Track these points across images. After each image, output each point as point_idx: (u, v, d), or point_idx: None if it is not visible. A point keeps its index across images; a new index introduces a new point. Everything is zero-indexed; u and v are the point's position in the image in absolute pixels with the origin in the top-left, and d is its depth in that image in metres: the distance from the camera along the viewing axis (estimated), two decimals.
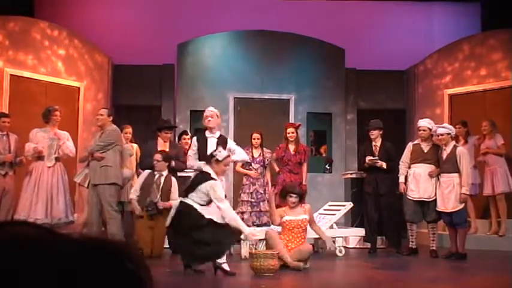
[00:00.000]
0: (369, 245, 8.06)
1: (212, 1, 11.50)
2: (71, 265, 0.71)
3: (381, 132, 8.01)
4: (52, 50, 9.06)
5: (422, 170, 7.45)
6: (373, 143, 8.00)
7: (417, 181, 7.45)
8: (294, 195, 6.58)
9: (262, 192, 8.65)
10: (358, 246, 8.50)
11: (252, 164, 8.77)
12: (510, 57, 9.15)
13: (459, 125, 8.76)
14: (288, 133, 8.74)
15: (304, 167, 8.80)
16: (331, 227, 7.70)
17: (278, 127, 9.43)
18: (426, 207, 7.46)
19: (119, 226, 7.10)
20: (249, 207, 8.57)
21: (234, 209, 9.21)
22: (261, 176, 8.73)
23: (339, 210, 7.95)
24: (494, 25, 10.12)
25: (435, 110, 10.03)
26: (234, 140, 9.90)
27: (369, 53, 11.10)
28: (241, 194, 8.69)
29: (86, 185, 7.52)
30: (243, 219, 8.60)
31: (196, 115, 10.11)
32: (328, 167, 10.33)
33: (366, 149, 8.13)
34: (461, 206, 7.13)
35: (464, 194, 7.10)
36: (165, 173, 7.37)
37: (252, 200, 8.58)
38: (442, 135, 7.23)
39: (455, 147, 7.29)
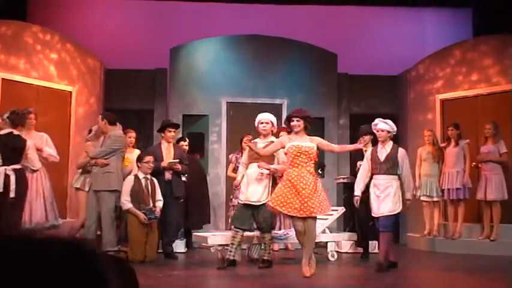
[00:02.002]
0: (361, 249, 8.06)
1: (205, 6, 11.51)
2: (40, 263, 0.75)
3: (371, 138, 8.02)
4: (44, 54, 9.03)
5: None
6: (364, 149, 8.01)
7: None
8: (296, 119, 6.12)
9: None
10: (350, 251, 8.50)
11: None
12: (501, 62, 9.20)
13: (451, 127, 8.80)
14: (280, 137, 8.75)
15: None
16: (324, 231, 7.70)
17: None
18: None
19: (114, 231, 7.08)
20: None
21: (226, 213, 9.25)
22: None
23: (331, 214, 7.95)
24: (485, 31, 10.19)
25: (427, 115, 10.06)
26: (227, 145, 9.95)
27: (361, 57, 11.13)
28: (233, 199, 8.69)
29: (86, 189, 7.46)
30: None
31: (189, 119, 10.12)
32: (321, 172, 10.33)
33: (357, 154, 8.14)
34: (397, 211, 6.51)
35: (409, 200, 6.59)
36: (149, 176, 7.37)
37: None
38: (382, 131, 6.61)
39: (396, 147, 6.70)
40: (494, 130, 8.46)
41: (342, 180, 9.39)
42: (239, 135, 9.06)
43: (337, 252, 7.81)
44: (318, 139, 6.24)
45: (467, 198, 8.57)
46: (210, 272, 6.45)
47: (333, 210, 8.15)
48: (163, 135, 7.87)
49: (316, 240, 7.75)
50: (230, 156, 9.14)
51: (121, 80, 10.42)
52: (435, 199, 8.93)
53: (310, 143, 6.02)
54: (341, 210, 8.09)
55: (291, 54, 10.37)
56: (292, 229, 7.90)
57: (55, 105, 9.05)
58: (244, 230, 6.65)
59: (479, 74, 9.43)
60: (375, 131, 6.76)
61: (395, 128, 6.73)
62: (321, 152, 10.45)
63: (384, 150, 6.63)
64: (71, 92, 9.41)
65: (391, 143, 6.69)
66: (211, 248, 7.45)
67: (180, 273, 6.48)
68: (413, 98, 10.45)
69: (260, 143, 6.63)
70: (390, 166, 6.54)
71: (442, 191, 8.82)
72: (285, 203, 5.83)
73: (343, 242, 8.50)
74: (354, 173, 8.33)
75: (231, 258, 6.55)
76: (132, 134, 8.26)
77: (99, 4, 11.74)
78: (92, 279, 0.79)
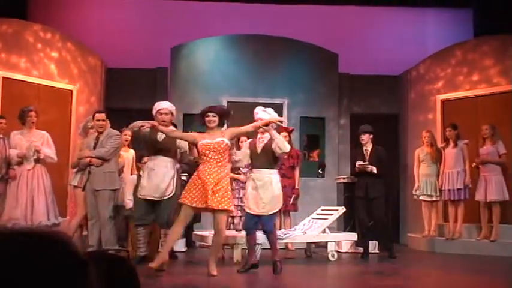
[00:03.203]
0: (361, 249, 8.07)
1: (205, 5, 11.51)
2: (21, 252, 0.81)
3: (371, 137, 8.02)
4: (45, 53, 9.03)
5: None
6: (364, 148, 8.02)
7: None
8: (212, 114, 5.99)
9: None
10: (350, 251, 8.51)
11: (241, 168, 8.78)
12: (502, 63, 9.20)
13: (449, 128, 8.82)
14: None
15: (297, 171, 8.82)
16: (324, 231, 7.70)
17: None
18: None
19: (113, 230, 7.08)
20: (239, 212, 8.58)
21: None
22: None
23: (331, 214, 7.95)
24: (486, 31, 10.18)
25: (427, 115, 10.07)
26: None
27: (362, 57, 11.13)
28: (232, 199, 8.69)
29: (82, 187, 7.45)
30: (233, 223, 8.63)
31: (190, 119, 10.12)
32: (321, 172, 10.34)
33: (357, 154, 8.15)
34: (276, 209, 6.14)
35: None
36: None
37: (242, 205, 8.57)
38: (261, 119, 6.15)
39: (272, 140, 6.09)
40: (491, 131, 8.48)
41: (342, 180, 9.39)
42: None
43: (337, 252, 7.81)
44: (230, 130, 6.08)
45: (468, 198, 8.58)
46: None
47: (333, 210, 8.16)
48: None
49: (316, 240, 7.79)
50: None
51: (122, 79, 10.43)
52: (434, 199, 8.96)
53: (220, 138, 5.91)
54: (341, 210, 8.09)
55: (291, 53, 10.37)
56: (293, 229, 7.93)
57: (56, 103, 9.06)
58: (145, 226, 6.56)
59: (480, 75, 9.43)
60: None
61: (279, 118, 6.26)
62: (321, 152, 10.51)
63: (260, 143, 6.22)
64: (71, 90, 9.41)
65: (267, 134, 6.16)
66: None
67: (180, 272, 6.48)
68: (413, 98, 10.45)
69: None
70: (266, 160, 6.11)
71: (441, 191, 8.83)
72: (193, 197, 5.82)
73: (343, 242, 8.51)
74: (353, 173, 8.35)
75: (141, 254, 6.61)
76: (128, 133, 8.26)
77: (100, 3, 11.74)
78: (67, 271, 0.82)
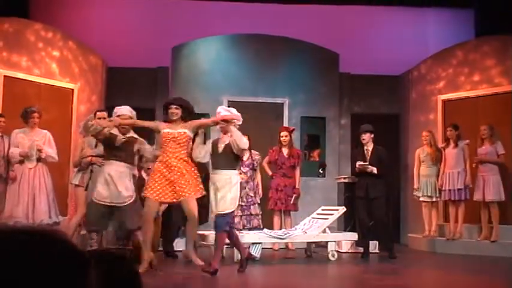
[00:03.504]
0: (361, 249, 8.07)
1: (207, 4, 11.51)
2: (21, 251, 0.81)
3: (372, 136, 8.02)
4: (46, 52, 9.04)
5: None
6: (365, 148, 8.03)
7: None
8: (175, 106, 6.05)
9: (252, 195, 8.68)
10: (350, 251, 8.51)
11: (241, 167, 8.80)
12: (503, 63, 9.19)
13: (450, 128, 8.83)
14: (282, 136, 8.78)
15: (297, 171, 8.84)
16: (324, 231, 7.70)
17: (272, 131, 9.45)
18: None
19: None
20: (240, 211, 8.60)
21: None
22: (251, 180, 8.76)
23: (332, 214, 7.96)
24: (487, 31, 10.18)
25: (428, 116, 10.06)
26: None
27: (363, 57, 11.12)
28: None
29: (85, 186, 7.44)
30: (233, 222, 8.64)
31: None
32: (322, 171, 10.35)
33: (357, 154, 8.16)
34: (230, 210, 6.00)
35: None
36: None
37: (242, 204, 8.60)
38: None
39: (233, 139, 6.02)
40: (490, 132, 8.50)
41: (342, 180, 9.40)
42: None
43: (337, 252, 7.81)
44: (192, 122, 6.05)
45: (468, 199, 8.59)
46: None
47: (333, 210, 8.17)
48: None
49: (317, 240, 7.80)
50: None
51: (123, 78, 10.43)
52: (434, 199, 8.96)
53: (182, 129, 5.94)
54: (341, 210, 8.09)
55: (292, 53, 10.37)
56: (293, 228, 7.94)
57: (57, 102, 9.06)
58: (99, 231, 6.22)
59: (481, 75, 9.43)
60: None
61: (240, 118, 6.15)
62: (322, 152, 10.51)
63: (221, 143, 6.11)
64: (72, 89, 9.41)
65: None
66: (212, 247, 7.46)
67: (180, 272, 6.49)
68: (414, 98, 10.45)
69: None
70: (226, 160, 5.99)
71: (441, 191, 8.83)
72: (157, 191, 5.83)
73: (343, 242, 8.51)
74: (354, 173, 8.36)
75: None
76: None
77: (101, 2, 11.74)
78: (68, 270, 0.82)
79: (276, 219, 8.78)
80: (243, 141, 5.93)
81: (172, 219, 7.70)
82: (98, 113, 7.38)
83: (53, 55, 9.15)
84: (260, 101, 10.14)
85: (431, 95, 10.08)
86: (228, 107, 9.97)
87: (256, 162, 8.87)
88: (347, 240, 8.38)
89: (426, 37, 11.84)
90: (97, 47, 10.17)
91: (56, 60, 9.19)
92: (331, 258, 7.50)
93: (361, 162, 7.86)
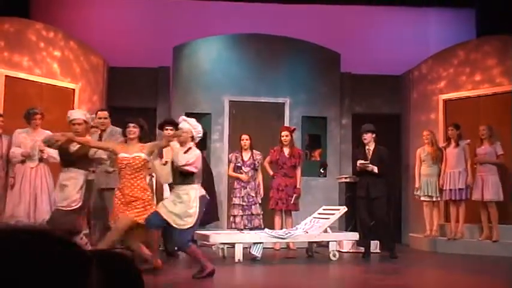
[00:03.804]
0: (362, 249, 8.07)
1: (208, 4, 11.51)
2: (22, 251, 0.82)
3: (373, 136, 8.03)
4: (47, 52, 9.04)
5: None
6: (367, 147, 8.03)
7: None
8: (133, 125, 5.88)
9: (253, 195, 8.69)
10: (351, 251, 8.51)
11: (243, 167, 8.80)
12: (505, 63, 9.19)
13: (451, 128, 8.84)
14: (282, 136, 8.79)
15: (298, 171, 8.84)
16: (325, 231, 7.70)
17: (273, 131, 9.45)
18: None
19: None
20: (241, 211, 8.61)
21: (227, 211, 9.27)
22: (252, 179, 8.77)
23: (333, 214, 7.96)
24: (489, 31, 10.17)
25: (430, 115, 10.06)
26: (229, 144, 9.96)
27: (364, 57, 11.12)
28: (233, 198, 8.74)
29: None
30: (234, 222, 8.65)
31: (192, 117, 10.12)
32: (323, 171, 10.35)
33: (359, 153, 8.16)
34: (189, 225, 5.62)
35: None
36: (154, 174, 7.38)
37: (244, 204, 8.62)
38: (183, 130, 5.81)
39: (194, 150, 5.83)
40: (489, 132, 8.50)
41: (344, 180, 9.40)
42: (241, 134, 9.08)
43: (338, 251, 7.81)
44: (148, 145, 5.94)
45: (469, 198, 8.59)
46: None
47: (334, 209, 8.17)
48: (163, 133, 7.94)
49: (318, 240, 7.81)
50: (230, 156, 9.15)
51: (124, 78, 10.43)
52: (434, 199, 8.96)
53: (138, 153, 5.81)
54: (343, 209, 8.09)
55: (293, 53, 10.37)
56: (294, 228, 7.94)
57: (58, 102, 9.06)
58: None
59: (482, 75, 9.42)
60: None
61: (198, 130, 5.92)
62: (323, 152, 10.50)
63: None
64: (74, 89, 9.42)
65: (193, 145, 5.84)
66: (213, 246, 7.48)
67: (181, 272, 6.49)
68: (416, 98, 10.44)
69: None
70: (182, 175, 5.72)
71: (442, 191, 8.83)
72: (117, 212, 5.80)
73: (344, 242, 8.51)
74: (355, 172, 8.36)
75: None
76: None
77: (102, 2, 11.75)
78: (68, 270, 0.82)
79: (277, 219, 8.79)
80: (180, 158, 5.59)
81: None
82: (99, 112, 7.38)
83: (54, 55, 9.15)
84: (261, 100, 10.14)
85: (433, 95, 10.07)
86: (230, 107, 10.09)
87: (258, 162, 8.88)
88: (348, 240, 8.38)
89: (427, 37, 11.83)
90: (98, 47, 10.18)
91: (57, 60, 9.19)
92: (333, 258, 7.50)
93: (362, 161, 7.87)
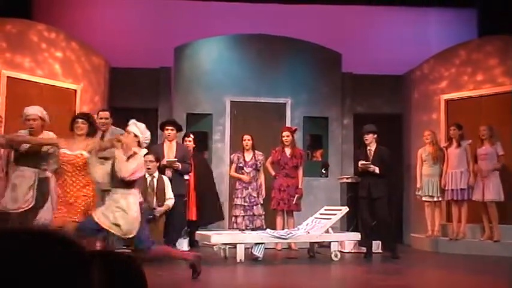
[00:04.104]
0: (364, 249, 8.07)
1: (209, 5, 11.52)
2: (22, 251, 0.82)
3: (375, 137, 8.03)
4: (49, 53, 9.05)
5: None
6: (368, 148, 8.03)
7: None
8: (81, 121, 5.71)
9: (255, 196, 8.70)
10: (353, 251, 8.51)
11: (244, 168, 8.80)
12: (506, 63, 9.18)
13: (453, 127, 8.82)
14: (283, 136, 8.79)
15: (300, 171, 8.84)
16: (327, 231, 7.70)
17: (274, 131, 9.45)
18: None
19: None
20: (242, 211, 8.62)
21: (229, 212, 9.28)
22: (254, 180, 8.77)
23: (335, 214, 7.96)
24: (490, 31, 10.16)
25: (431, 115, 10.05)
26: (230, 144, 9.96)
27: (365, 57, 11.12)
28: (235, 198, 8.75)
29: None
30: (236, 222, 8.66)
31: (193, 118, 10.14)
32: (324, 171, 10.35)
33: (360, 154, 8.16)
34: (136, 228, 5.31)
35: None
36: (156, 174, 7.40)
37: (245, 204, 8.62)
38: (131, 133, 5.54)
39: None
40: (489, 132, 8.49)
41: (345, 180, 9.39)
42: (243, 134, 9.08)
43: (340, 252, 7.81)
44: (92, 142, 5.70)
45: (471, 199, 8.58)
46: (213, 271, 6.46)
47: (336, 210, 8.17)
48: (164, 134, 7.99)
49: (320, 240, 7.81)
50: (232, 156, 9.15)
51: (125, 79, 10.44)
52: (436, 199, 8.96)
53: (80, 151, 5.62)
54: (344, 210, 8.09)
55: (295, 53, 10.37)
56: (296, 228, 7.94)
57: (60, 103, 9.06)
58: None
59: (484, 75, 9.42)
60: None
61: (146, 136, 5.65)
62: (324, 152, 10.50)
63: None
64: (75, 90, 9.43)
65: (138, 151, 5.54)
66: (214, 247, 7.48)
67: (182, 272, 6.49)
68: (417, 98, 10.44)
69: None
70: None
71: (443, 191, 8.83)
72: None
73: (346, 242, 8.51)
74: (357, 172, 8.36)
75: None
76: None
77: (104, 2, 11.76)
78: (68, 270, 0.82)
79: (279, 220, 8.79)
80: (123, 170, 5.20)
81: (175, 220, 7.70)
82: (100, 112, 7.39)
83: (56, 56, 9.16)
84: (262, 101, 10.14)
85: (434, 95, 10.07)
86: (231, 107, 10.09)
87: (260, 162, 8.88)
88: (350, 240, 8.38)
89: (429, 37, 11.82)
90: (100, 48, 10.19)
91: (59, 60, 9.20)
92: (334, 259, 7.50)
93: (363, 162, 7.87)
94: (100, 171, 5.40)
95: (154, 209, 7.23)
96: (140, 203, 5.48)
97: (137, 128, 5.56)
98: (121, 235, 5.32)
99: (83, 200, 5.67)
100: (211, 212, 8.84)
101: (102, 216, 5.25)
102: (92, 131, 5.89)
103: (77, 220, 5.54)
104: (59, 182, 5.72)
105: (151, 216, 7.14)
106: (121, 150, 5.32)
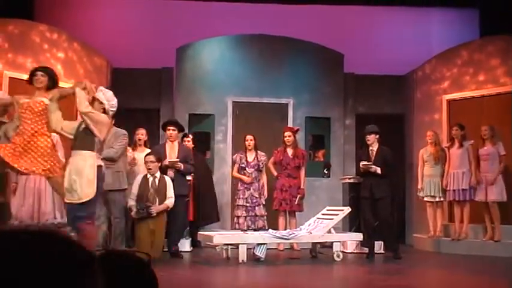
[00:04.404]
0: (366, 250, 8.06)
1: (211, 5, 11.52)
2: (22, 251, 0.82)
3: (377, 137, 8.02)
4: (51, 53, 9.06)
5: None
6: (370, 148, 8.03)
7: None
8: (40, 73, 5.56)
9: (257, 196, 8.69)
10: (355, 251, 8.50)
11: (246, 168, 8.80)
12: (508, 63, 9.17)
13: (456, 127, 8.81)
14: (285, 137, 8.79)
15: (302, 172, 8.84)
16: (329, 231, 7.70)
17: (276, 131, 9.44)
18: None
19: (123, 229, 7.13)
20: (244, 212, 8.61)
21: (231, 212, 9.28)
22: (256, 181, 8.76)
23: (337, 215, 7.95)
24: (492, 31, 10.15)
25: (433, 115, 10.04)
26: (232, 144, 9.96)
27: (367, 57, 11.11)
28: (237, 199, 8.75)
29: None
30: (238, 223, 8.66)
31: (195, 119, 10.14)
32: (326, 172, 10.34)
33: (362, 154, 8.15)
34: (88, 198, 5.28)
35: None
36: (158, 174, 7.41)
37: (247, 205, 8.62)
38: (101, 103, 5.58)
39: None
40: (491, 132, 8.48)
41: (347, 181, 9.39)
42: (245, 134, 9.08)
43: (342, 252, 7.80)
44: (54, 91, 5.61)
45: (473, 199, 8.57)
46: (215, 271, 6.47)
47: (338, 210, 8.16)
48: (166, 134, 8.01)
49: (322, 241, 7.80)
50: (234, 157, 9.14)
51: (127, 79, 10.44)
52: (438, 199, 8.95)
53: (42, 98, 5.50)
54: (346, 210, 8.09)
55: (296, 53, 10.37)
56: (298, 229, 7.94)
57: (61, 103, 9.05)
58: None
59: (486, 75, 9.41)
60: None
61: (113, 103, 5.66)
62: (326, 152, 10.50)
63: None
64: None
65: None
66: (217, 247, 7.47)
67: (185, 272, 6.49)
68: (419, 98, 10.43)
69: None
70: (86, 139, 5.43)
71: (445, 191, 8.82)
72: (13, 160, 5.40)
73: (348, 242, 8.50)
74: (359, 173, 8.35)
75: None
76: (141, 131, 8.35)
77: (105, 3, 11.77)
78: (68, 270, 0.82)
79: (281, 220, 8.79)
80: (83, 106, 5.30)
81: (177, 220, 7.70)
82: None
83: (58, 56, 9.17)
84: (264, 101, 10.14)
85: (436, 95, 10.06)
86: (233, 107, 10.09)
87: (262, 163, 8.87)
88: (352, 240, 8.38)
89: (430, 37, 11.82)
90: (102, 48, 10.19)
91: (61, 61, 9.21)
92: (336, 259, 7.49)
93: (365, 162, 7.87)
94: (56, 117, 5.44)
95: (150, 205, 7.21)
96: (99, 167, 5.37)
97: (103, 95, 5.53)
98: (77, 200, 5.16)
99: (48, 158, 5.50)
100: (209, 213, 8.85)
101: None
102: (52, 85, 5.74)
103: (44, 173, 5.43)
104: (17, 131, 5.57)
105: (142, 213, 7.14)
106: (83, 91, 5.33)
